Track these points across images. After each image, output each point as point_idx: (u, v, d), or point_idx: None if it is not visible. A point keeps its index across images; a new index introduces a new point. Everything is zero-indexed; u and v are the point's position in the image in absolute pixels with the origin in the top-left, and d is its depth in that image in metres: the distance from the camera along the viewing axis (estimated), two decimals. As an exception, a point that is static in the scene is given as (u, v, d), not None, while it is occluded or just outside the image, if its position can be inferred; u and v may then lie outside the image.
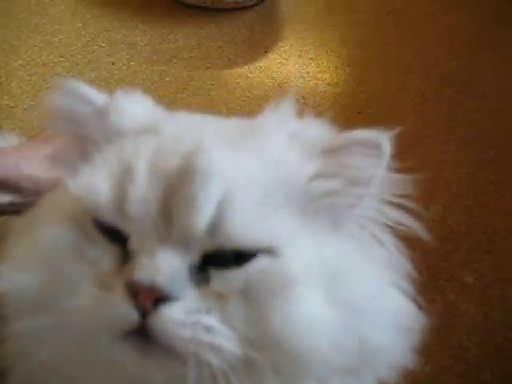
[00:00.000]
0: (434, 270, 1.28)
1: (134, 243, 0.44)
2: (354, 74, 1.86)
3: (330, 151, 0.47)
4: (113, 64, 1.75)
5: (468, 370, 1.11)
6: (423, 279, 1.25)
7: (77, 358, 0.46)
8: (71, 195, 0.46)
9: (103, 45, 1.84)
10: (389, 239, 0.50)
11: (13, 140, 1.02)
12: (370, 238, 0.49)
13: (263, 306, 0.42)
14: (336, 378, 0.46)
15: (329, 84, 1.79)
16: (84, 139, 0.51)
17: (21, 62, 1.71)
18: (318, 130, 0.50)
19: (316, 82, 1.79)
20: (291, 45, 1.94)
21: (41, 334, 0.45)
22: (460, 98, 1.81)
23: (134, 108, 0.52)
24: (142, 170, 0.44)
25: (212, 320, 0.42)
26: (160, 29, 1.93)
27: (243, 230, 0.42)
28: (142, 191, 0.43)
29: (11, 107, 1.54)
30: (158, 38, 1.89)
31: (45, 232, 0.47)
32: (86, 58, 1.77)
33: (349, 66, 1.89)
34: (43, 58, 1.75)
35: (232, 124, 0.53)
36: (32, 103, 1.55)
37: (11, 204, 0.70)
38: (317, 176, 0.46)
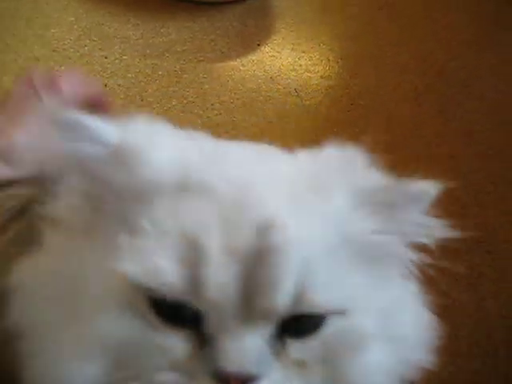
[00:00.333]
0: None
1: (212, 326, 0.41)
2: (347, 67, 1.86)
3: (387, 206, 0.46)
4: (105, 58, 1.75)
5: (460, 358, 1.12)
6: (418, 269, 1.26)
7: None
8: (125, 278, 0.41)
9: (95, 39, 1.83)
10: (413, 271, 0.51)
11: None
12: (403, 273, 0.50)
13: (340, 365, 0.43)
14: None
15: (321, 77, 1.79)
16: (100, 196, 0.44)
17: (12, 56, 1.71)
18: (377, 183, 0.47)
19: (309, 74, 1.80)
20: (284, 38, 1.94)
21: None
22: (459, 98, 1.82)
23: (166, 153, 0.44)
24: (214, 250, 0.40)
25: None
26: (152, 23, 1.93)
27: (323, 296, 0.41)
28: (219, 276, 0.40)
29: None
30: (151, 32, 1.88)
31: (101, 325, 0.42)
32: (78, 51, 1.77)
33: (341, 59, 1.89)
34: (35, 52, 1.74)
35: (287, 171, 0.47)
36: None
37: None
38: (375, 231, 0.45)
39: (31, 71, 0.63)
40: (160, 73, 1.71)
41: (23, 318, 0.45)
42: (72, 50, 1.77)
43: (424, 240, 0.48)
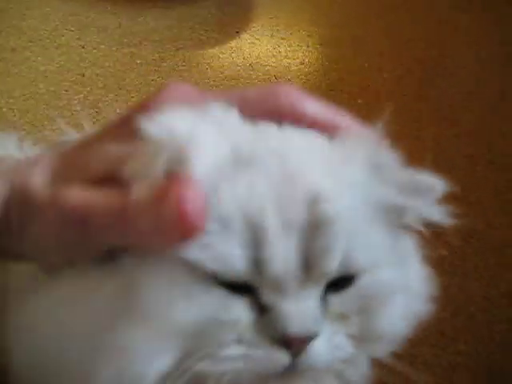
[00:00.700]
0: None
1: (271, 295, 0.43)
2: (326, 53, 1.86)
3: (401, 186, 0.49)
4: (83, 48, 1.74)
5: (442, 340, 1.12)
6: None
7: None
8: (191, 265, 0.42)
9: (72, 29, 1.81)
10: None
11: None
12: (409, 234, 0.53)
13: (373, 316, 0.47)
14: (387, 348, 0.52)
15: (301, 63, 1.79)
16: None
17: (-12, 47, 1.69)
18: (393, 162, 0.51)
19: (288, 61, 1.79)
20: (263, 25, 1.94)
21: None
22: (432, 76, 1.83)
23: (208, 133, 0.43)
24: (273, 229, 0.41)
25: (343, 340, 0.46)
26: (130, 11, 1.91)
27: (363, 257, 0.45)
28: (280, 253, 0.42)
29: (-21, 93, 1.52)
30: (128, 21, 1.87)
31: (176, 312, 0.42)
32: (55, 42, 1.75)
33: (321, 44, 1.89)
34: (11, 43, 1.72)
35: (318, 146, 0.49)
36: (0, 89, 1.53)
37: None
38: (392, 206, 0.48)
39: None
40: (138, 61, 1.70)
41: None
42: (48, 40, 1.75)
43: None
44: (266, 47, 1.84)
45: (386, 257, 0.48)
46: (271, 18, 1.97)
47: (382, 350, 0.51)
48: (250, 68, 1.73)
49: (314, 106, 0.50)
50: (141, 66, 1.68)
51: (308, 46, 1.87)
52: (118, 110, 1.51)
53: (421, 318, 0.53)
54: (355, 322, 0.47)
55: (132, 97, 1.56)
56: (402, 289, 0.49)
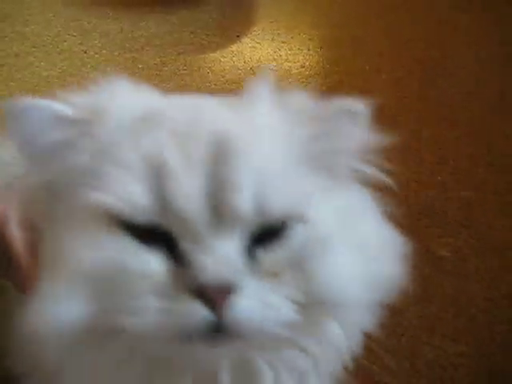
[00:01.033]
0: (410, 244, 1.29)
1: (185, 240, 0.43)
2: (327, 56, 1.87)
3: (317, 118, 0.50)
4: (85, 53, 1.75)
5: (444, 341, 1.13)
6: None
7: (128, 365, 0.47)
8: (99, 207, 0.43)
9: (75, 34, 1.83)
10: (367, 191, 0.54)
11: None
12: (358, 189, 0.53)
13: (310, 270, 0.45)
14: (356, 315, 0.51)
15: (302, 66, 1.79)
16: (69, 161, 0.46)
17: (-8, 53, 1.71)
18: (302, 100, 0.52)
19: (289, 64, 1.80)
20: (263, 28, 1.95)
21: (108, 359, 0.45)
22: (432, 77, 1.83)
23: (123, 95, 0.49)
24: (174, 161, 0.43)
25: (273, 297, 0.44)
26: (131, 16, 1.92)
27: (281, 199, 0.44)
28: (183, 185, 0.42)
29: (-17, 98, 1.53)
30: (130, 26, 1.88)
31: (82, 256, 0.44)
32: (57, 47, 1.76)
33: (321, 48, 1.90)
34: (14, 48, 1.73)
35: (226, 101, 0.52)
36: (4, 94, 1.54)
37: None
38: (311, 140, 0.49)
39: None
40: (140, 66, 1.71)
41: None
42: (51, 45, 1.76)
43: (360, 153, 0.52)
44: (267, 51, 1.85)
45: (321, 208, 0.47)
46: (272, 21, 1.98)
47: (346, 319, 0.50)
48: (251, 72, 1.74)
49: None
50: (142, 71, 1.69)
51: (309, 50, 1.87)
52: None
53: (393, 283, 0.52)
54: (290, 281, 0.45)
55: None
56: (350, 246, 0.48)
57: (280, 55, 1.83)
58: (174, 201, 0.42)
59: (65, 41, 1.79)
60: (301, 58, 1.83)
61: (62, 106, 0.46)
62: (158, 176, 0.42)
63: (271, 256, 0.45)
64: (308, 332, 0.48)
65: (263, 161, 0.44)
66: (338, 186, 0.50)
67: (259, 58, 1.81)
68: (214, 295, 0.41)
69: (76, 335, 0.43)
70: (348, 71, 1.78)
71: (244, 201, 0.42)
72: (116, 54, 1.75)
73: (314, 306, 0.46)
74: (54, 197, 0.46)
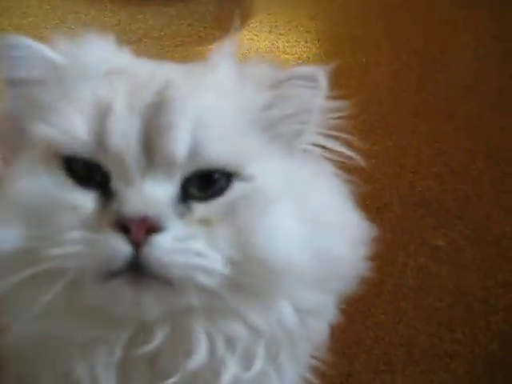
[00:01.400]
0: (407, 235, 1.30)
1: (117, 179, 0.45)
2: (324, 48, 1.87)
3: (274, 85, 0.50)
4: (83, 45, 1.75)
5: (440, 329, 1.13)
6: (398, 242, 1.27)
7: (64, 311, 0.47)
8: (39, 141, 0.46)
9: (72, 27, 1.81)
10: (328, 167, 0.54)
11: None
12: (316, 163, 0.53)
13: (245, 227, 0.45)
14: (304, 292, 0.49)
15: (299, 58, 1.80)
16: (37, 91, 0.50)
17: (-11, 45, 1.70)
18: (264, 69, 0.52)
19: (286, 56, 1.80)
20: (261, 21, 1.95)
21: (29, 289, 0.45)
22: (430, 71, 1.84)
23: (100, 50, 0.52)
24: (119, 104, 0.45)
25: (200, 245, 0.44)
26: (129, 9, 1.93)
27: (217, 149, 0.45)
28: (121, 124, 0.44)
29: (-20, 90, 1.53)
30: (128, 19, 1.88)
31: (19, 185, 0.46)
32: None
33: (319, 40, 1.90)
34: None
35: (189, 66, 0.54)
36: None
37: None
38: (266, 107, 0.49)
39: None
40: (138, 58, 1.71)
41: None
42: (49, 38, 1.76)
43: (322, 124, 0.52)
44: (265, 43, 1.85)
45: (267, 170, 0.47)
46: (269, 14, 1.98)
47: (295, 296, 0.49)
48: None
49: None
50: (140, 63, 1.69)
51: (306, 42, 1.88)
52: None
53: (345, 265, 0.50)
54: (222, 233, 0.45)
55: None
56: (298, 214, 0.47)
57: (277, 47, 1.84)
58: (110, 138, 0.44)
59: (62, 34, 1.79)
60: (298, 50, 1.84)
61: (48, 49, 0.51)
62: (101, 116, 0.45)
63: (205, 206, 0.45)
64: (248, 300, 0.47)
65: (205, 112, 0.46)
66: (293, 155, 0.51)
67: (257, 50, 1.81)
68: (133, 228, 0.42)
69: (15, 259, 0.45)
70: (345, 64, 1.78)
71: (178, 145, 0.44)
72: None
73: (251, 266, 0.45)
74: (16, 129, 0.50)
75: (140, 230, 0.42)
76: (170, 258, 0.43)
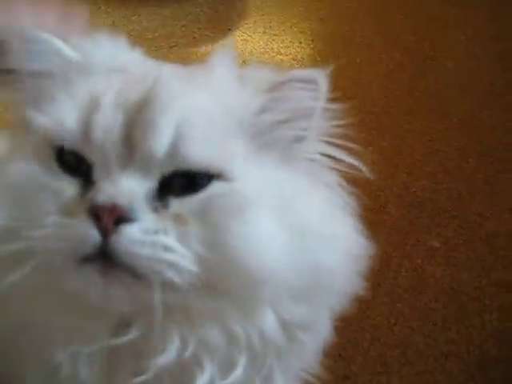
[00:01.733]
0: (401, 236, 1.31)
1: (98, 170, 0.46)
2: (318, 49, 1.88)
3: (272, 88, 0.50)
4: (77, 47, 1.74)
5: (435, 329, 1.14)
6: (393, 243, 1.27)
7: (39, 292, 0.48)
8: (37, 129, 0.48)
9: (66, 28, 1.82)
10: (332, 177, 0.53)
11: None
12: (316, 172, 0.52)
13: (219, 228, 0.45)
14: (288, 304, 0.49)
15: (293, 59, 1.80)
16: (46, 79, 0.52)
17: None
18: (263, 72, 0.52)
19: (281, 57, 1.81)
20: (255, 22, 1.95)
21: (3, 267, 0.47)
22: (423, 70, 1.84)
23: (110, 49, 0.53)
24: (107, 100, 0.47)
25: (169, 239, 0.44)
26: (123, 10, 1.92)
27: (199, 151, 0.45)
28: (106, 118, 0.46)
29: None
30: (122, 20, 1.88)
31: (10, 168, 0.49)
32: (49, 41, 1.76)
33: (313, 40, 1.91)
34: (6, 44, 1.73)
35: (188, 68, 0.56)
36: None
37: None
38: (262, 110, 0.49)
39: None
40: (132, 60, 1.71)
41: None
42: (43, 39, 1.76)
43: (322, 131, 0.52)
44: (259, 44, 1.86)
45: (252, 174, 0.47)
46: (263, 14, 1.98)
47: (278, 304, 0.48)
48: (243, 64, 1.74)
49: None
50: (135, 65, 1.69)
51: (300, 42, 1.88)
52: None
53: (333, 279, 0.49)
54: (195, 229, 0.45)
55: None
56: (282, 222, 0.47)
57: (272, 48, 1.84)
58: (94, 131, 0.46)
59: (57, 35, 1.79)
60: (292, 50, 1.84)
61: (64, 44, 0.52)
62: (90, 109, 0.47)
63: (181, 202, 0.46)
64: (225, 304, 0.47)
65: (191, 111, 0.47)
66: (292, 163, 0.50)
67: (251, 51, 1.82)
68: (102, 215, 0.43)
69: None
70: (339, 64, 1.79)
71: (157, 142, 0.45)
72: (108, 48, 1.75)
73: (222, 268, 0.45)
74: (19, 117, 0.53)
75: (109, 217, 0.43)
76: (136, 249, 0.43)
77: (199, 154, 0.45)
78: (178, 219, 0.45)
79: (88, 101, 0.47)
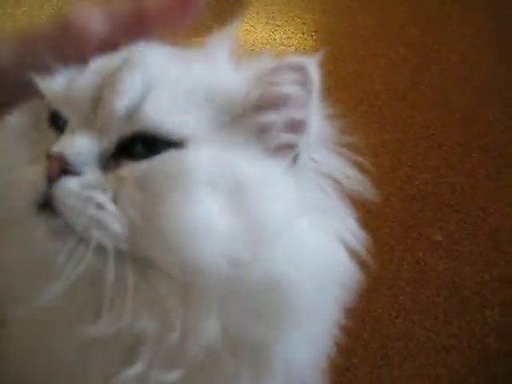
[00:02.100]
0: (404, 229, 1.31)
1: (67, 128, 0.47)
2: (321, 40, 1.86)
3: (263, 74, 0.48)
4: (78, 35, 1.73)
5: (436, 323, 1.14)
6: (395, 237, 1.27)
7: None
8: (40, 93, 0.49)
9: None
10: (331, 189, 0.49)
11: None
12: (307, 172, 0.48)
13: (156, 195, 0.43)
14: (238, 316, 0.44)
15: (296, 50, 1.79)
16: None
17: (-17, 34, 1.69)
18: (260, 60, 0.51)
19: (283, 48, 1.80)
20: (258, 12, 1.94)
21: None
22: (426, 63, 1.83)
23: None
24: (92, 66, 0.47)
25: (104, 197, 0.44)
26: (125, 0, 1.91)
27: (160, 115, 0.45)
28: (85, 80, 0.47)
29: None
30: (123, 9, 1.87)
31: (6, 119, 0.51)
32: (50, 29, 1.75)
33: (316, 31, 1.89)
34: (6, 30, 1.72)
35: (187, 51, 0.54)
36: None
37: None
38: (250, 94, 0.47)
39: None
40: (134, 49, 1.70)
41: None
42: (44, 28, 1.75)
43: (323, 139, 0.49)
44: (261, 34, 1.84)
45: (210, 149, 0.45)
46: (266, 5, 1.97)
47: (208, 299, 0.43)
48: (246, 55, 1.73)
49: None
50: (136, 54, 1.68)
51: (303, 34, 1.87)
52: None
53: (283, 286, 0.43)
54: (131, 192, 0.43)
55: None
56: (235, 211, 0.43)
57: (274, 39, 1.83)
58: (72, 90, 0.47)
59: (57, 23, 1.78)
60: (295, 41, 1.83)
61: None
62: (78, 74, 0.48)
63: (130, 166, 0.45)
64: (159, 284, 0.44)
65: (160, 82, 0.46)
66: (270, 155, 0.47)
67: (254, 42, 1.81)
68: (51, 163, 0.44)
69: None
70: (342, 56, 1.78)
71: (118, 103, 0.45)
72: (109, 36, 1.74)
73: (151, 238, 0.43)
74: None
75: (53, 165, 0.44)
76: (70, 201, 0.43)
77: (159, 118, 0.45)
78: (121, 181, 0.44)
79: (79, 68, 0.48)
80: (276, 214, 0.44)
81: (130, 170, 0.44)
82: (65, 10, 1.82)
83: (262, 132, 0.47)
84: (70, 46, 0.49)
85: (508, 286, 1.23)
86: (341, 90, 1.64)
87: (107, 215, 0.43)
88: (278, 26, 1.89)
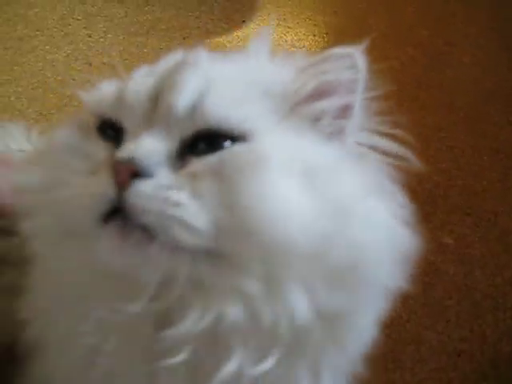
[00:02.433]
0: (415, 233, 1.30)
1: (127, 134, 0.48)
2: (332, 42, 1.86)
3: (312, 65, 0.52)
4: (89, 37, 1.74)
5: (448, 327, 1.14)
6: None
7: (65, 254, 0.49)
8: (85, 106, 0.52)
9: (79, 17, 1.82)
10: (380, 164, 0.53)
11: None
12: (363, 155, 0.51)
13: (234, 186, 0.44)
14: (324, 288, 0.45)
15: (307, 51, 1.79)
16: None
17: (-4, 36, 1.70)
18: (297, 56, 0.54)
19: (294, 49, 1.79)
20: (269, 14, 1.94)
21: (41, 232, 0.50)
22: (436, 64, 1.83)
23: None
24: (141, 71, 0.50)
25: (182, 195, 0.43)
26: (136, 0, 1.91)
27: (221, 110, 0.46)
28: (137, 84, 0.49)
29: (-14, 82, 1.53)
30: (135, 10, 1.87)
31: (54, 134, 0.53)
32: (62, 31, 1.75)
33: (327, 33, 1.89)
34: (18, 32, 1.72)
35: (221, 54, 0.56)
36: (8, 78, 1.54)
37: None
38: (303, 85, 0.50)
39: None
40: (145, 50, 1.71)
41: None
42: (55, 29, 1.75)
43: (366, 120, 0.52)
44: (273, 36, 1.84)
45: (276, 137, 0.47)
46: (278, 7, 1.97)
47: (302, 275, 0.44)
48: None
49: None
50: (148, 55, 1.68)
51: (314, 35, 1.87)
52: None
53: (363, 253, 0.45)
54: (207, 186, 0.44)
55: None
56: (313, 194, 0.44)
57: (286, 40, 1.83)
58: (126, 94, 0.48)
59: (69, 24, 1.78)
60: (306, 43, 1.83)
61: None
62: (126, 81, 0.50)
63: (201, 162, 0.45)
64: (247, 278, 0.44)
65: (218, 76, 0.48)
66: (328, 139, 0.50)
67: (265, 44, 1.80)
68: (119, 170, 0.44)
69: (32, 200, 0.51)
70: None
71: (179, 99, 0.46)
72: (121, 38, 1.74)
73: (238, 232, 0.43)
74: None
75: (123, 172, 0.43)
76: (147, 204, 0.43)
77: (221, 113, 0.46)
78: (194, 177, 0.44)
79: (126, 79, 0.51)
80: (349, 190, 0.47)
81: (202, 165, 0.45)
82: (77, 10, 1.83)
83: (316, 119, 0.50)
84: None
85: (520, 290, 1.23)
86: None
87: (188, 213, 0.43)
88: (289, 27, 1.89)
